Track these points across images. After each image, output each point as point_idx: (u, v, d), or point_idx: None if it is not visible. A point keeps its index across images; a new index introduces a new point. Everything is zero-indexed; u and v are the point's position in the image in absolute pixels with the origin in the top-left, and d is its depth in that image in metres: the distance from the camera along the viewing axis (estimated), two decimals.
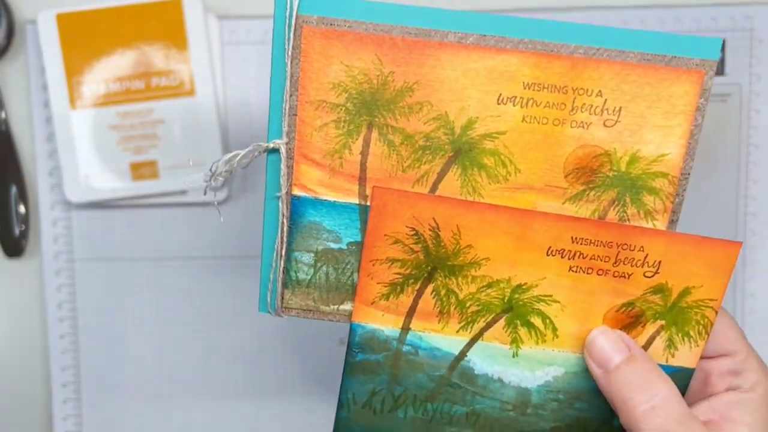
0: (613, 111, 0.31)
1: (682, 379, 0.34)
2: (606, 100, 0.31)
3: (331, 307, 0.34)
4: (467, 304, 0.33)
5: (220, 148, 0.49)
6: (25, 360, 0.55)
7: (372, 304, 0.33)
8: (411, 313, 0.33)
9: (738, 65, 0.50)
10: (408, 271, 0.32)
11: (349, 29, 0.30)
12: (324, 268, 0.33)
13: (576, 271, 0.32)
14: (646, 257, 0.32)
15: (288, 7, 0.30)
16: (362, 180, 0.32)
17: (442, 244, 0.32)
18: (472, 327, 0.33)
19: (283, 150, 0.32)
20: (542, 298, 0.33)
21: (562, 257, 0.32)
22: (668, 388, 0.32)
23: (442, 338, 0.33)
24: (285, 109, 0.31)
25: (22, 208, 0.52)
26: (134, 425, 0.54)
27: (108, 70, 0.49)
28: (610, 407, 0.33)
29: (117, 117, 0.49)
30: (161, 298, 0.53)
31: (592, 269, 0.32)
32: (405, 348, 0.34)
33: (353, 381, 0.34)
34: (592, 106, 0.31)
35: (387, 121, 0.31)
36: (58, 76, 0.49)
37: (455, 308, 0.33)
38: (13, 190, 0.52)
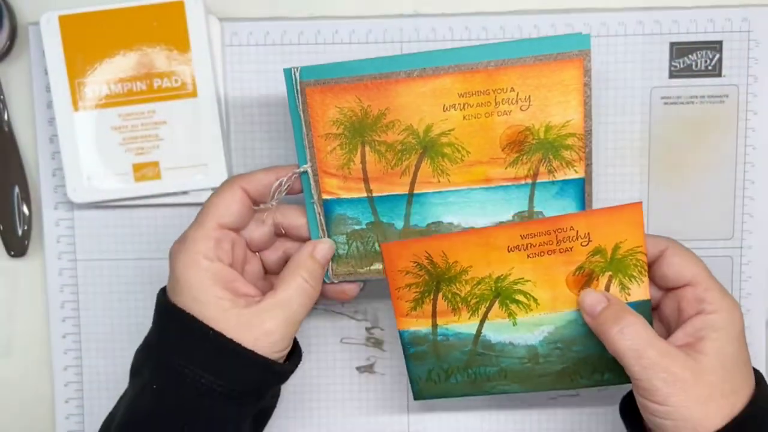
0: (525, 99, 0.44)
1: (643, 308, 0.46)
2: (518, 93, 0.44)
3: (365, 268, 0.48)
4: (469, 299, 0.47)
5: (222, 149, 0.50)
6: (27, 359, 0.56)
7: (406, 315, 0.48)
8: (434, 314, 0.48)
9: (735, 67, 0.51)
10: (422, 289, 0.47)
11: (335, 84, 0.45)
12: (354, 243, 0.48)
13: (532, 257, 0.45)
14: (577, 233, 0.45)
15: (294, 77, 0.45)
16: (366, 180, 0.46)
17: (437, 265, 0.46)
18: (478, 313, 0.47)
19: (309, 171, 0.47)
20: (517, 281, 0.46)
21: (519, 250, 0.45)
22: (634, 319, 0.42)
23: (461, 325, 0.48)
24: (305, 144, 0.46)
25: (25, 209, 0.52)
26: None
27: (110, 72, 0.49)
28: (600, 344, 0.45)
29: (119, 118, 0.50)
30: None
31: (543, 252, 0.45)
32: (439, 338, 0.48)
33: (413, 366, 0.49)
34: (509, 99, 0.44)
35: (373, 138, 0.45)
36: (60, 78, 0.49)
37: (462, 304, 0.47)
38: (16, 190, 0.52)
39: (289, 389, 0.54)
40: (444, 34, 0.51)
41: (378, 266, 0.47)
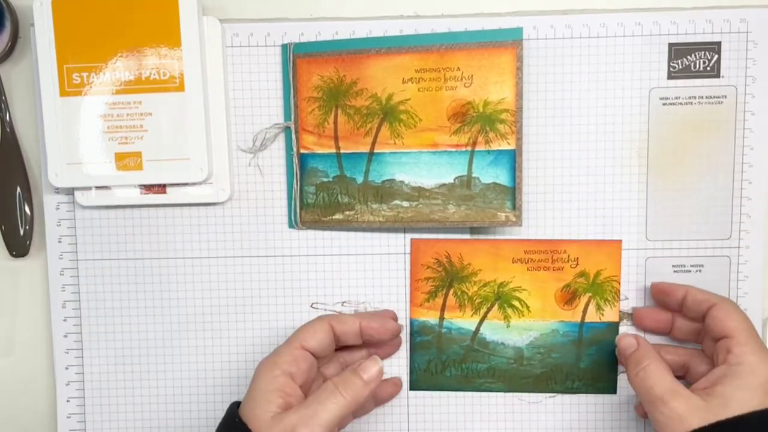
0: (468, 77, 0.54)
1: (612, 329, 0.57)
2: (462, 72, 0.54)
3: (328, 217, 0.56)
4: (474, 299, 0.58)
5: (205, 145, 0.50)
6: (29, 359, 0.56)
7: (420, 305, 0.58)
8: (443, 308, 0.58)
9: (733, 68, 0.51)
10: (437, 284, 0.58)
11: (319, 56, 0.55)
12: (321, 194, 0.56)
13: (531, 270, 0.57)
14: (569, 256, 0.57)
15: (289, 51, 0.55)
16: (336, 138, 0.56)
17: (454, 265, 0.58)
18: (479, 312, 0.58)
19: (292, 127, 0.56)
20: (516, 288, 0.57)
21: (521, 263, 0.57)
22: (650, 361, 0.49)
23: (464, 321, 0.58)
24: (291, 104, 0.56)
25: (27, 209, 0.52)
26: (138, 423, 0.55)
27: (100, 59, 0.50)
28: (576, 355, 0.57)
29: (105, 106, 0.51)
30: (165, 298, 0.54)
31: (540, 267, 0.57)
32: (443, 330, 0.58)
33: (416, 355, 0.59)
34: (455, 76, 0.54)
35: (345, 103, 0.55)
36: (49, 62, 0.51)
37: (467, 302, 0.58)
38: (18, 191, 0.53)
39: None
40: None
41: (338, 216, 0.56)
